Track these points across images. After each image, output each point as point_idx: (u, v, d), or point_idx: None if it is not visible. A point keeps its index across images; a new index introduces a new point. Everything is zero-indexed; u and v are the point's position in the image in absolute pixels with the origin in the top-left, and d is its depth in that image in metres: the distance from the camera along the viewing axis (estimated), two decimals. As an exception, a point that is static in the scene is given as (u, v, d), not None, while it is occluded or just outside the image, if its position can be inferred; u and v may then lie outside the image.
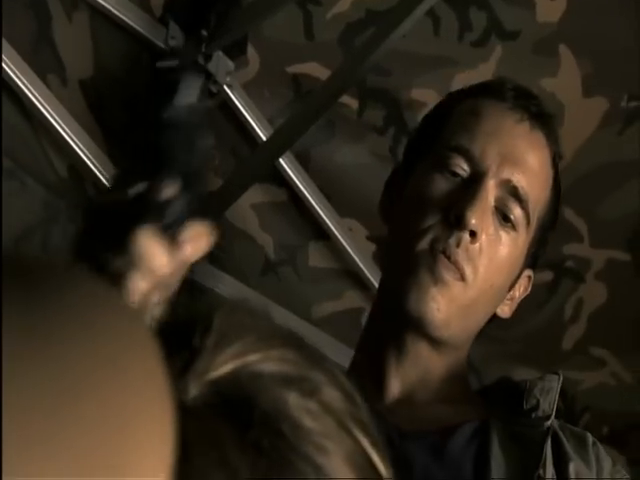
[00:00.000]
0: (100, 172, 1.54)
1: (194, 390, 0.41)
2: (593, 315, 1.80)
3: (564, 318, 1.81)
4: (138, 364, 0.35)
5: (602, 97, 1.59)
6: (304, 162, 1.69)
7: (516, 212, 1.03)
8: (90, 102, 1.50)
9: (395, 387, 1.05)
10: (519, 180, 1.03)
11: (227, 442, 0.39)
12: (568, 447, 0.99)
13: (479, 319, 1.06)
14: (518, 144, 1.04)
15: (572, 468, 0.97)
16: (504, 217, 1.03)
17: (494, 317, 1.10)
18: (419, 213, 1.02)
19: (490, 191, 1.02)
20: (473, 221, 0.99)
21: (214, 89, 1.50)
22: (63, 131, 1.50)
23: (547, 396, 1.00)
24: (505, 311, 1.10)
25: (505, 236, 1.03)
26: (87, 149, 1.52)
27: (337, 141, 1.68)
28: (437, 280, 0.99)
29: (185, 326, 0.43)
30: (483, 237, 1.01)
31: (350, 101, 1.63)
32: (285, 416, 0.41)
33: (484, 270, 1.01)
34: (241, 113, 1.60)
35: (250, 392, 0.41)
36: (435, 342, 1.03)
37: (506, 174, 1.03)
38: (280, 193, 1.74)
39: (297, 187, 1.69)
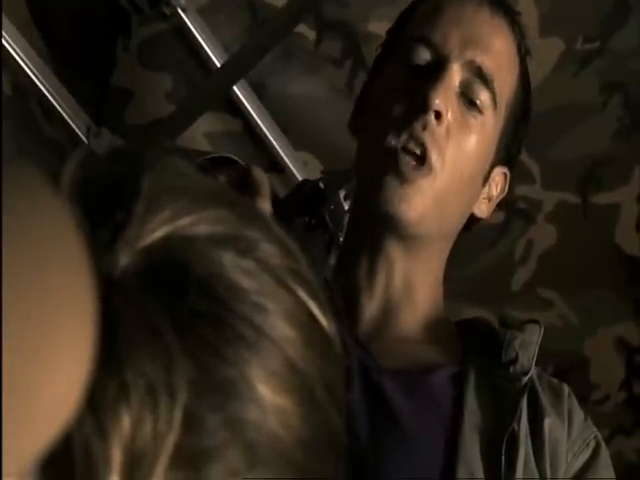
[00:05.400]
0: (47, 89, 1.52)
1: (124, 260, 0.39)
2: (543, 257, 1.81)
3: (514, 259, 1.82)
4: (51, 236, 0.33)
5: (558, 38, 1.59)
6: (259, 92, 1.68)
7: (482, 95, 1.02)
8: (34, 13, 1.47)
9: (373, 303, 1.03)
10: (483, 60, 1.02)
11: (157, 311, 0.38)
12: (544, 401, 0.99)
13: (454, 211, 1.04)
14: (480, 28, 1.04)
15: (546, 424, 0.97)
16: (470, 102, 1.02)
17: (474, 219, 1.09)
18: (384, 111, 1.01)
19: (454, 73, 1.01)
20: (437, 101, 0.98)
21: (167, 11, 1.48)
22: (8, 44, 1.45)
23: (526, 350, 0.99)
24: (482, 210, 1.09)
25: (472, 121, 1.02)
26: (33, 65, 1.49)
27: (293, 72, 1.66)
28: (403, 179, 0.98)
29: (111, 191, 0.40)
30: (450, 118, 1.00)
31: (307, 32, 1.62)
32: (220, 278, 0.39)
33: (452, 156, 1.00)
34: (195, 38, 1.57)
35: (183, 257, 0.39)
36: (411, 240, 1.02)
37: (469, 55, 1.02)
38: (235, 123, 1.72)
39: (252, 117, 1.68)
